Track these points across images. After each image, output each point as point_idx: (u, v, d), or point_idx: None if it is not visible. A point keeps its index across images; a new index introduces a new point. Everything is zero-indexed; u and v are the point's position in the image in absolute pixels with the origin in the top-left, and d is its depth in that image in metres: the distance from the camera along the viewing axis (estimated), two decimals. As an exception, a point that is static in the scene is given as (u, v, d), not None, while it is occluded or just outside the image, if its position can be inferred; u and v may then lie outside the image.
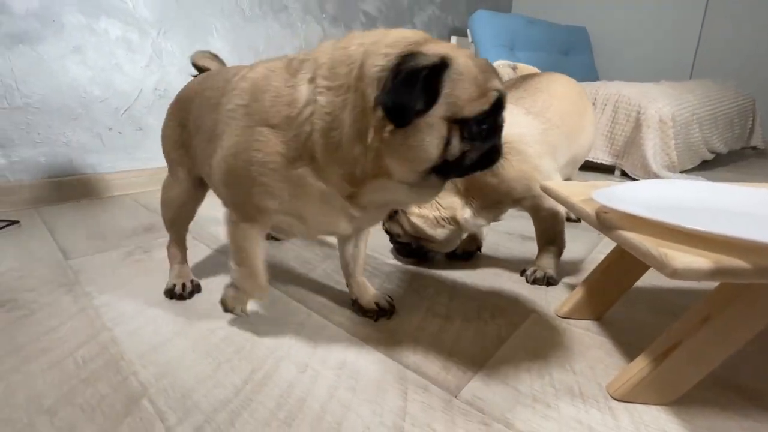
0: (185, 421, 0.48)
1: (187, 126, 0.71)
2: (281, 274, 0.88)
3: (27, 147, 1.44)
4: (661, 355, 0.49)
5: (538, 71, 1.08)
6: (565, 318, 0.70)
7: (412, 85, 0.42)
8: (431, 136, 0.45)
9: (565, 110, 0.86)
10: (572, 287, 0.81)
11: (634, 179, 1.97)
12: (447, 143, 0.46)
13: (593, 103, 2.12)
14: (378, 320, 0.69)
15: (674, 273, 0.36)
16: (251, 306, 0.72)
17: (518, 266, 0.91)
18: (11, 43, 1.34)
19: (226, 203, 0.63)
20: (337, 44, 0.50)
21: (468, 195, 0.80)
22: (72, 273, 0.88)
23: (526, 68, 1.10)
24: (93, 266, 0.92)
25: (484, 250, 1.01)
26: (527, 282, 0.83)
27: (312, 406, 0.50)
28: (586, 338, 0.65)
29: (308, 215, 0.56)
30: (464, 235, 0.89)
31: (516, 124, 0.77)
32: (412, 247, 0.87)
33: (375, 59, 0.45)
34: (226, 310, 0.67)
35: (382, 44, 0.46)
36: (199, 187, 0.77)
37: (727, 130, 2.30)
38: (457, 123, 0.45)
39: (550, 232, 0.84)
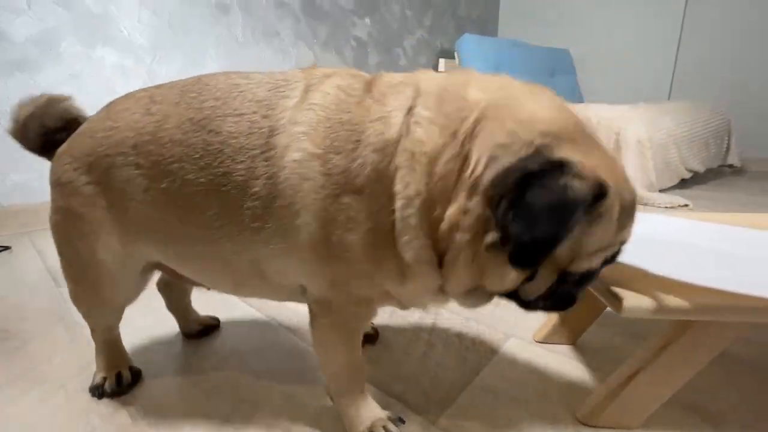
0: (175, 452, 0.50)
1: (129, 189, 0.46)
2: (269, 304, 0.91)
3: (20, 172, 1.46)
4: (625, 381, 0.52)
5: None
6: (541, 343, 0.74)
7: (557, 221, 0.31)
8: (521, 274, 0.35)
9: None
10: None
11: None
12: (530, 280, 0.37)
13: (576, 125, 2.20)
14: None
15: (624, 311, 0.40)
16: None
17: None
18: (9, 70, 1.38)
19: (314, 294, 0.45)
20: (450, 78, 0.40)
21: None
22: (63, 301, 0.90)
23: None
24: (85, 293, 0.93)
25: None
26: None
27: (299, 436, 0.52)
28: (561, 363, 0.68)
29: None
30: None
31: None
32: None
33: (499, 134, 0.34)
34: None
35: (511, 118, 0.35)
36: (150, 270, 0.57)
37: (703, 150, 2.40)
38: (561, 272, 0.36)
39: None
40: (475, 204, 0.34)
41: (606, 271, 0.46)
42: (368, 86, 0.40)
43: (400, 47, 2.95)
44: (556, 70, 3.42)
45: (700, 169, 2.40)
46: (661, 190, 2.19)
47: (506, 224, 0.32)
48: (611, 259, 0.38)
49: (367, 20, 2.68)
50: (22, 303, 0.88)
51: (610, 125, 2.07)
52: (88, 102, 1.59)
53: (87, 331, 0.77)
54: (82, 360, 0.68)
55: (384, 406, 0.58)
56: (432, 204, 0.36)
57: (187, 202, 0.44)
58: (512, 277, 0.35)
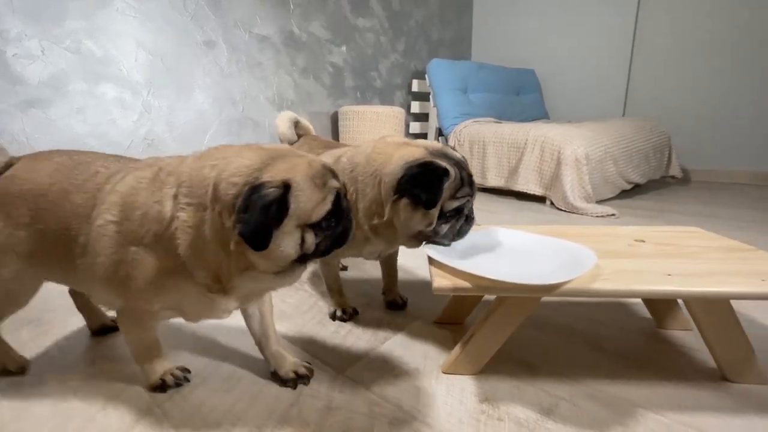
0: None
1: (22, 221, 0.66)
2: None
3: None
4: (465, 342, 0.78)
5: (312, 129, 1.42)
6: (438, 323, 0.99)
7: (264, 215, 0.50)
8: (287, 242, 0.54)
9: None
10: (455, 301, 1.10)
11: (559, 209, 2.30)
12: (302, 242, 0.55)
13: (525, 143, 2.48)
14: (296, 387, 0.74)
15: (435, 289, 0.65)
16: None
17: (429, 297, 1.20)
18: (25, 107, 1.63)
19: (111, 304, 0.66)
20: (198, 160, 0.58)
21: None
22: (77, 298, 1.14)
23: (305, 124, 1.40)
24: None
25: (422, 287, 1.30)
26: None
27: (269, 393, 0.77)
28: (444, 336, 0.93)
29: (187, 309, 0.65)
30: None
31: None
32: None
33: (226, 187, 0.53)
34: (165, 388, 0.73)
35: (229, 172, 0.54)
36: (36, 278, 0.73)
37: (643, 164, 2.68)
38: (308, 226, 0.56)
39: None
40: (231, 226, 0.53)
41: (434, 268, 0.72)
42: (156, 175, 0.60)
43: (375, 71, 3.23)
44: (522, 89, 3.71)
45: (641, 180, 2.68)
46: (601, 201, 2.47)
47: (243, 236, 0.51)
48: (335, 207, 0.58)
49: (344, 48, 2.96)
50: (50, 298, 1.12)
51: (553, 144, 2.35)
52: (90, 131, 1.86)
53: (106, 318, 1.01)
54: (90, 342, 0.93)
55: (309, 364, 0.83)
56: (212, 253, 0.56)
57: (44, 236, 0.66)
58: (282, 248, 0.54)
